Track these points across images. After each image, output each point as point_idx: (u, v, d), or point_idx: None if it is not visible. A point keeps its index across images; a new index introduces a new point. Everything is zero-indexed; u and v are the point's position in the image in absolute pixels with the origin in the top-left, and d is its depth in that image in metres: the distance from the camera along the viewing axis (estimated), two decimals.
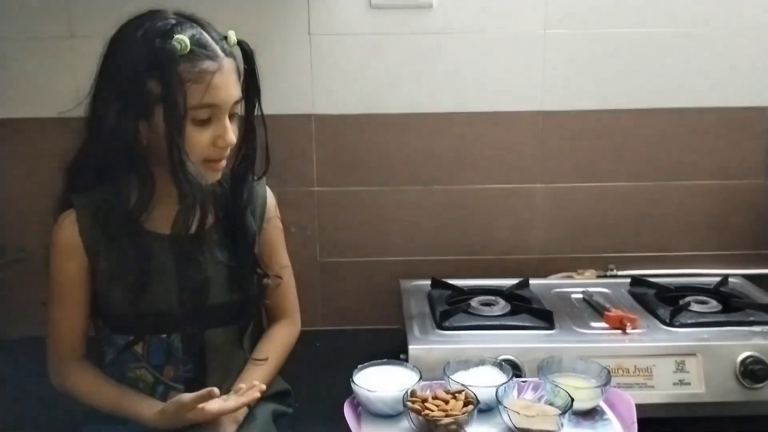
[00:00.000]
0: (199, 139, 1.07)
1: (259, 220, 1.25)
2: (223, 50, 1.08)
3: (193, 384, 1.17)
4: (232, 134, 1.10)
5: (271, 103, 1.23)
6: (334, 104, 1.64)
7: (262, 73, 1.19)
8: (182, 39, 1.03)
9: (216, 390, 1.04)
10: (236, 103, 1.11)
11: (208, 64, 1.05)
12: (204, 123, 1.07)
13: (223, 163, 1.13)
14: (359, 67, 1.62)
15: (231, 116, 1.11)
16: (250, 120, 1.17)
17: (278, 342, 1.29)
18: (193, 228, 1.12)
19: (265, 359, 1.23)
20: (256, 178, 1.22)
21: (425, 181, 1.68)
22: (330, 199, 1.69)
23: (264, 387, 1.12)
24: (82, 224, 1.13)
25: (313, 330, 1.59)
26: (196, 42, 1.05)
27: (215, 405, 1.07)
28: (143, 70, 1.03)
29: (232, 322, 1.21)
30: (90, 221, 1.13)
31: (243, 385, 1.12)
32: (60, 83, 1.58)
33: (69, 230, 1.13)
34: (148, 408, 1.11)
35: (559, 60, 1.62)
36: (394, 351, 1.31)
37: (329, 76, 1.62)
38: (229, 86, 1.08)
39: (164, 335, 1.16)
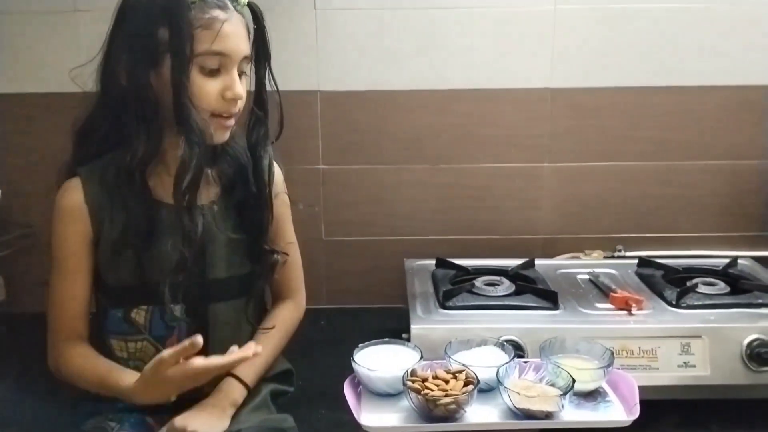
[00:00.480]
0: (207, 89, 1.07)
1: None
2: (233, 6, 1.09)
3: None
4: (240, 87, 1.09)
5: (276, 79, 1.22)
6: (340, 81, 1.63)
7: None
8: None
9: (199, 337, 0.99)
10: (245, 59, 1.10)
11: (218, 12, 1.06)
12: (212, 73, 1.07)
13: (232, 121, 1.12)
14: (366, 43, 1.60)
15: (240, 74, 1.11)
16: (261, 84, 1.16)
17: (280, 324, 1.28)
18: (200, 198, 1.11)
19: (272, 327, 1.23)
20: (271, 142, 1.21)
21: (431, 159, 1.67)
22: (335, 177, 1.68)
23: (260, 349, 1.07)
24: (88, 189, 1.12)
25: (317, 308, 1.59)
26: None
27: (199, 360, 1.01)
28: (154, 19, 1.04)
29: (236, 296, 1.21)
30: (96, 187, 1.12)
31: (236, 347, 1.08)
32: (64, 58, 1.56)
33: (73, 194, 1.12)
34: (129, 378, 1.07)
35: (569, 36, 1.60)
36: (398, 330, 1.31)
37: (335, 52, 1.61)
38: (238, 37, 1.08)
39: (172, 306, 1.13)
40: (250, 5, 1.13)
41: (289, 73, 1.57)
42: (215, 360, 1.04)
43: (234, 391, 1.16)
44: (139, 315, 1.15)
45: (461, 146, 1.66)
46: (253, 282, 1.22)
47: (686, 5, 1.58)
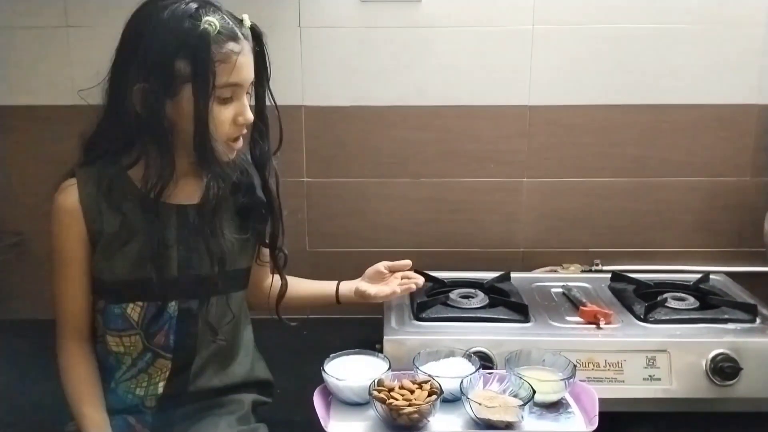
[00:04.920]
0: (222, 117, 1.11)
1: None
2: (242, 33, 1.12)
3: (181, 351, 1.19)
4: (250, 113, 1.14)
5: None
6: (324, 96, 1.66)
7: None
8: (212, 21, 1.06)
9: None
10: (251, 83, 1.16)
11: (233, 45, 1.09)
12: (226, 101, 1.11)
13: (241, 142, 1.17)
14: (349, 60, 1.64)
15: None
16: (262, 101, 1.21)
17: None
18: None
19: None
20: (272, 154, 1.26)
21: (413, 173, 1.70)
22: (319, 189, 1.72)
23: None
24: (83, 190, 1.15)
25: (301, 318, 1.61)
26: (222, 25, 1.08)
27: None
28: (173, 51, 1.06)
29: (229, 291, 1.24)
30: (91, 188, 1.15)
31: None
32: (55, 72, 1.62)
33: (69, 195, 1.15)
34: (95, 422, 1.13)
35: (547, 55, 1.63)
36: (377, 340, 1.34)
37: (319, 68, 1.65)
38: (249, 67, 1.13)
39: (161, 302, 1.17)
40: (252, 28, 1.16)
41: (274, 88, 1.59)
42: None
43: None
44: (135, 311, 1.17)
45: (442, 161, 1.69)
46: (242, 278, 1.27)
47: (662, 25, 1.62)
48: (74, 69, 1.62)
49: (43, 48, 1.62)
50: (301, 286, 1.40)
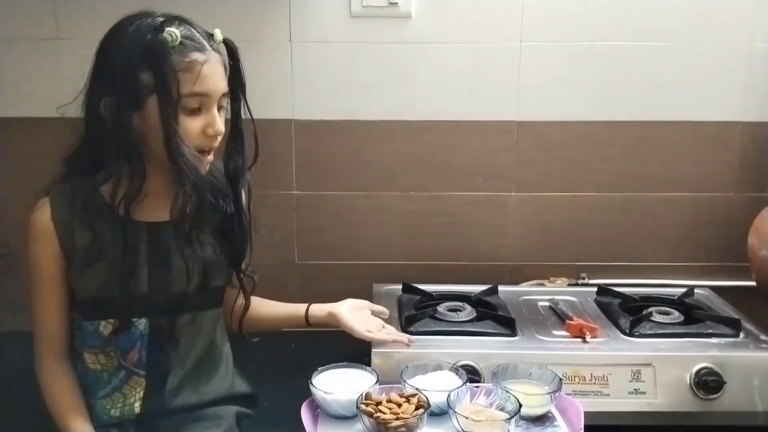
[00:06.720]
0: (190, 127, 1.11)
1: None
2: (210, 45, 1.13)
3: (154, 368, 1.20)
4: (220, 123, 1.15)
5: (252, 108, 1.27)
6: (313, 110, 1.68)
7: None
8: (173, 31, 1.08)
9: None
10: (223, 95, 1.16)
11: (197, 55, 1.10)
12: (194, 112, 1.12)
13: (211, 156, 1.18)
14: (339, 75, 1.66)
15: (219, 108, 1.15)
16: (238, 116, 1.22)
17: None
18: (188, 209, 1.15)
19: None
20: (247, 168, 1.26)
21: (402, 187, 1.71)
22: (308, 202, 1.72)
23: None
24: (55, 209, 1.16)
25: (289, 331, 1.62)
26: (185, 36, 1.10)
27: None
28: (136, 63, 1.07)
29: (203, 308, 1.24)
30: (65, 207, 1.16)
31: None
32: (45, 84, 1.62)
33: (41, 213, 1.17)
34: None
35: (535, 71, 1.65)
36: (366, 353, 1.35)
37: (309, 82, 1.66)
38: (216, 77, 1.13)
39: (135, 320, 1.18)
40: (225, 42, 1.18)
41: (265, 102, 1.63)
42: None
43: None
44: (107, 328, 1.18)
45: (431, 175, 1.71)
46: (217, 296, 1.27)
47: (648, 43, 1.64)
48: (65, 82, 1.62)
49: (34, 60, 1.62)
50: (268, 307, 1.41)
